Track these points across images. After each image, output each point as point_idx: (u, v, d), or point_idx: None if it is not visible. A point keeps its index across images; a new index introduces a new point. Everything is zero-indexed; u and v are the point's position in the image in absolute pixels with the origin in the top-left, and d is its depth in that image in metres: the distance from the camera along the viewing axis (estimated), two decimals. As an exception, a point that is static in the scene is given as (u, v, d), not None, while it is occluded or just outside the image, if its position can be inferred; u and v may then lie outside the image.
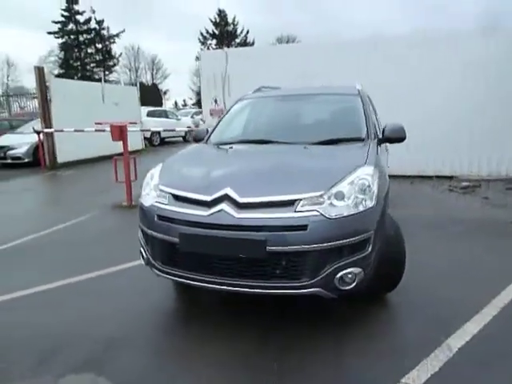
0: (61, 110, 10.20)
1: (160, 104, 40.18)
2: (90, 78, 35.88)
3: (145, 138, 14.63)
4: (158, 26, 64.31)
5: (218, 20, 44.15)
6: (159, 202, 2.61)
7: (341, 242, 2.29)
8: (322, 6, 53.20)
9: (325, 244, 2.25)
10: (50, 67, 42.67)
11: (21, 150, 10.66)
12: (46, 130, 9.80)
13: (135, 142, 12.62)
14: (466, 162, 7.69)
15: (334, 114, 3.73)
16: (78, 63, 42.96)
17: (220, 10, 44.02)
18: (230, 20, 44.00)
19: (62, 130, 9.60)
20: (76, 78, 38.05)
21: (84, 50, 43.25)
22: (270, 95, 4.19)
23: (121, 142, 6.02)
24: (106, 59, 44.45)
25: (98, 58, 44.10)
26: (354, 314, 2.80)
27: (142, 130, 9.15)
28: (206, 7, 56.13)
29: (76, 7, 41.15)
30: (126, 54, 45.82)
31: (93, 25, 42.47)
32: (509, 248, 4.04)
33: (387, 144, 4.79)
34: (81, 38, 42.46)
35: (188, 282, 2.48)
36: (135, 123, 9.28)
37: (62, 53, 42.17)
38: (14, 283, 3.40)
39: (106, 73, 44.22)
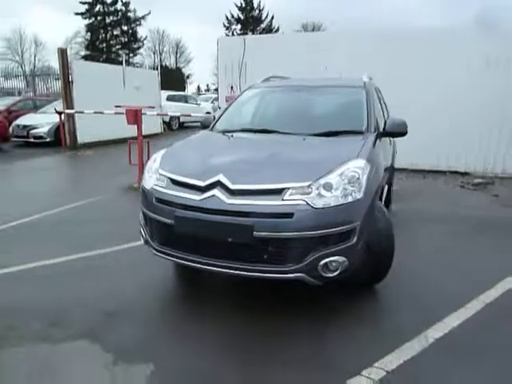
0: (82, 92, 10.46)
1: (183, 88, 40.42)
2: (115, 61, 36.37)
3: (164, 122, 14.86)
4: (184, 9, 64.36)
5: (243, 5, 43.80)
6: (158, 186, 2.76)
7: (325, 231, 2.38)
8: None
9: (309, 232, 2.36)
10: (77, 48, 43.45)
11: (43, 130, 11.03)
12: (67, 111, 10.10)
13: (153, 125, 12.87)
14: (481, 158, 7.57)
15: (337, 106, 3.78)
16: (104, 45, 43.44)
17: (246, -5, 43.60)
18: (255, 5, 43.63)
19: (82, 112, 9.87)
20: (101, 59, 38.64)
21: (110, 32, 43.68)
22: (278, 85, 4.26)
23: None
24: (131, 42, 44.81)
25: (123, 40, 44.50)
26: (343, 302, 2.90)
27: (158, 115, 9.33)
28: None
29: (103, -12, 41.50)
30: (151, 37, 46.02)
31: (119, 6, 42.83)
32: (507, 245, 4.04)
33: (392, 138, 4.83)
34: (107, 20, 42.87)
35: (182, 261, 2.63)
36: (153, 107, 9.46)
37: (89, 34, 42.74)
38: (26, 256, 3.64)
39: (131, 55, 44.76)
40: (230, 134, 3.47)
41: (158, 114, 9.43)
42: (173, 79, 38.50)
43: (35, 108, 13.11)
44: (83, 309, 2.77)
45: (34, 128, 11.10)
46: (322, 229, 2.38)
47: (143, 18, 43.94)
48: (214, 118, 4.06)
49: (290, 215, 2.35)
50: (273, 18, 43.05)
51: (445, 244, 4.11)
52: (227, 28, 44.28)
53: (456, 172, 7.60)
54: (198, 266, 2.57)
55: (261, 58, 8.33)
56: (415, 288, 3.13)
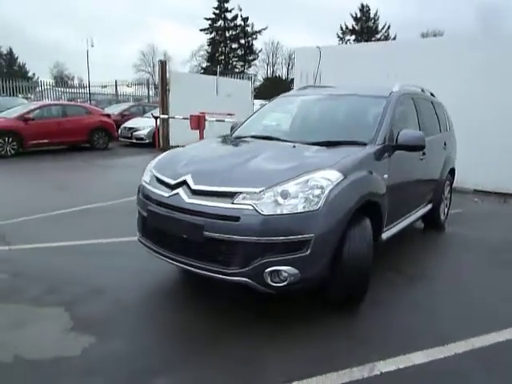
0: (177, 99, 11.54)
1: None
2: (232, 72, 38.94)
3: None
4: (299, 21, 65.84)
5: (359, 15, 43.05)
6: (145, 182, 3.03)
7: (271, 238, 2.35)
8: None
9: (254, 238, 2.35)
10: (199, 61, 47.80)
11: (143, 132, 12.47)
12: (162, 116, 11.25)
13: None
14: None
15: (351, 116, 3.62)
16: (222, 57, 46.88)
17: (363, 5, 42.80)
18: (371, 15, 42.51)
19: (173, 117, 10.94)
20: (219, 70, 41.76)
21: (228, 46, 46.99)
22: (302, 94, 4.22)
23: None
24: (247, 54, 47.50)
25: (240, 52, 47.44)
26: (312, 317, 2.78)
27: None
28: (349, 1, 54.97)
29: (226, 5, 44.89)
30: (266, 49, 48.09)
31: (239, 21, 45.82)
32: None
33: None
34: (227, 34, 46.24)
35: (151, 252, 2.83)
36: (232, 114, 10.00)
37: (210, 48, 46.59)
38: (78, 235, 4.24)
39: (246, 66, 47.44)
40: (236, 140, 3.60)
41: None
42: (283, 89, 39.67)
43: (144, 113, 14.84)
44: (81, 283, 3.16)
45: (137, 130, 12.61)
46: (268, 236, 2.35)
47: (260, 32, 46.25)
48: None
49: (236, 219, 2.38)
50: (389, 27, 41.41)
51: (478, 276, 3.58)
52: (341, 39, 43.94)
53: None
54: (162, 257, 2.74)
55: (335, 67, 8.22)
56: (407, 316, 2.82)
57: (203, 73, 36.46)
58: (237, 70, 44.25)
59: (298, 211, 2.38)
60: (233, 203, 2.44)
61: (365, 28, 42.64)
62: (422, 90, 4.63)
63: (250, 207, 2.39)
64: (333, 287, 2.69)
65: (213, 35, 46.10)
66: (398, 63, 7.51)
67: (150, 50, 47.03)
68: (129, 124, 12.99)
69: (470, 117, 6.70)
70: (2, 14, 57.31)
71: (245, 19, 45.45)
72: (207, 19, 45.10)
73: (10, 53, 46.02)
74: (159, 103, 11.71)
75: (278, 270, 2.39)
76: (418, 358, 2.34)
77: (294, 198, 2.42)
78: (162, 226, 2.70)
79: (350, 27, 43.15)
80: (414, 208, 4.03)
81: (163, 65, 11.33)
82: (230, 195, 2.47)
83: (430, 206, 4.50)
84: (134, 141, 12.59)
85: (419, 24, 49.40)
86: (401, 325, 2.72)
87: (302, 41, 64.39)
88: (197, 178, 2.64)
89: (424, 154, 3.87)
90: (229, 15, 45.35)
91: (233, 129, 4.22)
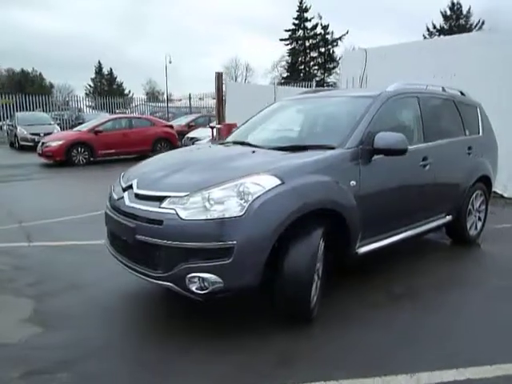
0: (233, 110, 11.91)
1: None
2: (311, 80, 38.88)
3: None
4: (382, 24, 63.16)
5: (449, 13, 40.00)
6: (112, 188, 3.15)
7: (190, 244, 2.31)
8: None
9: (175, 242, 2.33)
10: (280, 71, 48.53)
11: (203, 142, 13.00)
12: (217, 126, 11.64)
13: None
14: None
15: (330, 119, 3.39)
16: (302, 67, 46.95)
17: (453, 3, 39.68)
18: (463, 12, 39.20)
19: (226, 126, 11.25)
20: (299, 79, 41.98)
21: (308, 55, 46.90)
22: (292, 99, 4.07)
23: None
24: (327, 62, 46.88)
25: (319, 61, 47.04)
26: (251, 329, 2.63)
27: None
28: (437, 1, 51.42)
29: (306, 15, 45.00)
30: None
31: (318, 30, 45.52)
32: None
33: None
34: (307, 44, 46.21)
35: (111, 254, 2.95)
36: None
37: (290, 58, 46.99)
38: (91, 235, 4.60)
39: (326, 75, 46.95)
40: (212, 146, 3.61)
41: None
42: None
43: (209, 123, 15.50)
44: (65, 279, 3.39)
45: (198, 140, 13.20)
46: (187, 241, 2.31)
47: (340, 38, 45.36)
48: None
49: (160, 222, 2.38)
50: (483, 23, 37.73)
51: (474, 309, 3.01)
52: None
53: None
54: (114, 258, 2.83)
55: (382, 68, 7.74)
56: (361, 340, 2.53)
57: (283, 83, 36.87)
58: (317, 79, 44.03)
59: (221, 217, 2.30)
60: (159, 207, 2.44)
61: (454, 26, 39.37)
62: (443, 89, 4.15)
63: (173, 211, 2.37)
64: (274, 300, 2.54)
65: (293, 45, 46.44)
66: (453, 61, 6.82)
67: (232, 63, 49.12)
68: (191, 134, 13.71)
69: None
70: (103, 37, 65.15)
71: (324, 27, 44.96)
72: (287, 30, 45.63)
73: (111, 73, 51.60)
74: (215, 114, 12.14)
75: (200, 277, 2.33)
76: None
77: (219, 204, 2.35)
78: (111, 228, 2.81)
79: (438, 26, 40.21)
80: (417, 220, 3.59)
81: (219, 77, 11.73)
82: (160, 199, 2.47)
83: (448, 218, 3.98)
84: (195, 150, 13.20)
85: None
86: (346, 349, 2.43)
87: (386, 43, 61.66)
88: (140, 182, 2.70)
89: (425, 159, 3.47)
90: (308, 24, 45.27)
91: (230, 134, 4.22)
